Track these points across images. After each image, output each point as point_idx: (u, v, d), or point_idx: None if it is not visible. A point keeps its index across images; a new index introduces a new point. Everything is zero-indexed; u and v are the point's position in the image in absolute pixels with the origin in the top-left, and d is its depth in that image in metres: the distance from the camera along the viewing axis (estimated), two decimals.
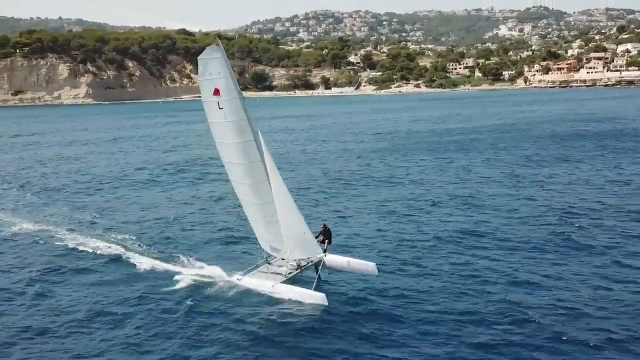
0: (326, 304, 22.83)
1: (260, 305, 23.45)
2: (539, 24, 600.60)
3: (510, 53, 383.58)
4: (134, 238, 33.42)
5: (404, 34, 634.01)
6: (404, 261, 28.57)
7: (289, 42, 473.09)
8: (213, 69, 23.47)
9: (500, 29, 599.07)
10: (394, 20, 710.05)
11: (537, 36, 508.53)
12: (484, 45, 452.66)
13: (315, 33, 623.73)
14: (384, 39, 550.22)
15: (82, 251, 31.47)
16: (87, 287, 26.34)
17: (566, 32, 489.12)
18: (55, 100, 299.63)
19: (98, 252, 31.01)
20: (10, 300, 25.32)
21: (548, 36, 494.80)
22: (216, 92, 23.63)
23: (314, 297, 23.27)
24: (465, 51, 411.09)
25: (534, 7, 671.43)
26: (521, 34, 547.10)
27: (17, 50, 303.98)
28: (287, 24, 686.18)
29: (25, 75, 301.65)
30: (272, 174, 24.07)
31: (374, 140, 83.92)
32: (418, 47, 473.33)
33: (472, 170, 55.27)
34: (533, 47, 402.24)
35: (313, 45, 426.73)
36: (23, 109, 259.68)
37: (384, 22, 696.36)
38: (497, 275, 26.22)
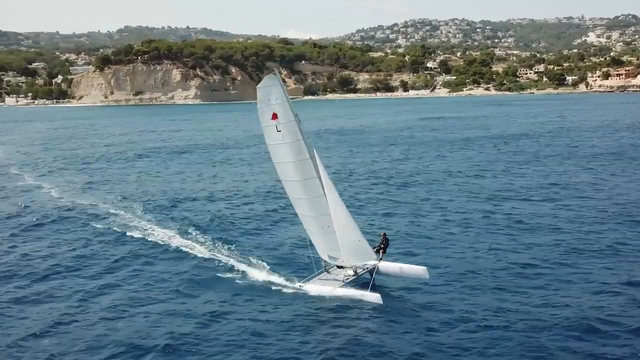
0: (382, 302, 23.69)
1: (321, 309, 24.06)
2: (626, 32, 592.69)
3: (586, 60, 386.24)
4: (197, 238, 34.34)
5: (495, 41, 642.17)
6: (455, 260, 29.28)
7: (386, 49, 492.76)
8: (271, 96, 24.66)
9: (589, 36, 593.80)
10: (488, 27, 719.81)
11: (621, 43, 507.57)
12: (571, 51, 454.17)
13: (413, 39, 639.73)
14: (476, 44, 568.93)
15: (137, 241, 33.78)
16: (146, 280, 27.53)
17: None
18: (169, 101, 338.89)
19: (153, 245, 33.19)
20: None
21: (633, 43, 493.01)
22: (274, 116, 24.74)
23: (370, 298, 24.18)
24: (545, 57, 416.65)
25: (622, 15, 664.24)
26: (609, 41, 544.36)
27: (139, 58, 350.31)
28: (387, 31, 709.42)
29: (145, 78, 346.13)
30: (327, 188, 25.17)
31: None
32: (504, 52, 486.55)
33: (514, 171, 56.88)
34: (612, 54, 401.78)
35: (406, 52, 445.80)
36: (142, 107, 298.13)
37: (478, 29, 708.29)
38: (563, 278, 26.26)
